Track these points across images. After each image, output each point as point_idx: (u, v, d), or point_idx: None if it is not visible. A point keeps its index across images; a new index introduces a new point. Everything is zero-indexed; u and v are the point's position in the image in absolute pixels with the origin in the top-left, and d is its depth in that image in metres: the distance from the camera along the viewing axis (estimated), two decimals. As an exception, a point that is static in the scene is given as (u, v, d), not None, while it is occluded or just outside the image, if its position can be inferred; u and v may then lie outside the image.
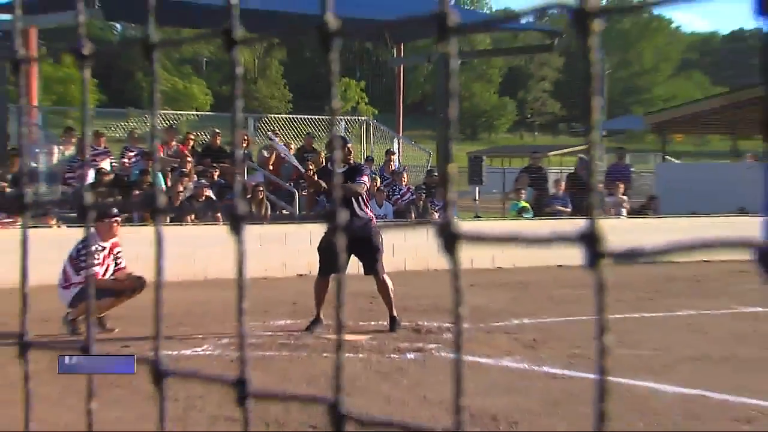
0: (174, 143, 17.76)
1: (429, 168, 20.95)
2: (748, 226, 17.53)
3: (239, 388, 1.05)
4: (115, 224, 9.48)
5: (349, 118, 25.58)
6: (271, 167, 18.05)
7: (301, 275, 13.99)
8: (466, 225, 16.73)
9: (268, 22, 17.97)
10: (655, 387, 6.94)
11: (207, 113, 42.99)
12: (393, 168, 19.61)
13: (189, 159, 16.84)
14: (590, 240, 0.81)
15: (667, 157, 23.11)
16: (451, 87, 0.88)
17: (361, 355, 8.19)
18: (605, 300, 0.84)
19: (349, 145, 10.17)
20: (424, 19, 0.88)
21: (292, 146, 19.31)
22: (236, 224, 1.06)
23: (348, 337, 9.05)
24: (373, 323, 9.73)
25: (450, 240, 0.89)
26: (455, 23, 0.87)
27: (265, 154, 18.32)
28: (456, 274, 0.91)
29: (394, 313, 9.47)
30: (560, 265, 15.76)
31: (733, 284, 13.29)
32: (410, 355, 8.15)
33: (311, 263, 14.39)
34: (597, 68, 0.81)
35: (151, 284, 9.89)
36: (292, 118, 23.22)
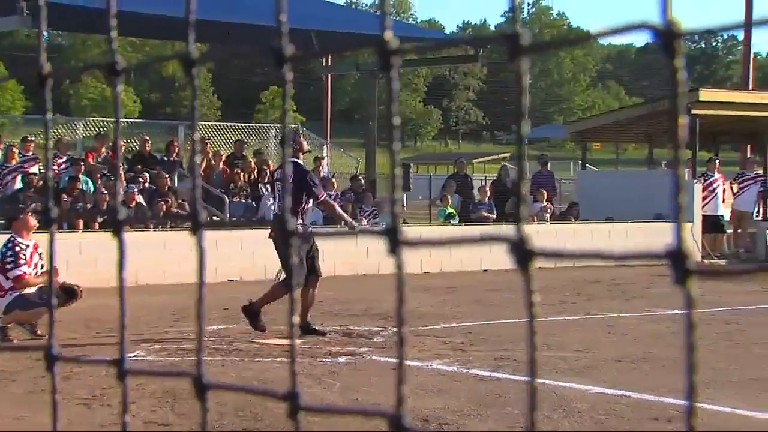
0: (103, 150, 17.48)
1: (356, 174, 20.96)
2: (663, 232, 17.94)
3: (291, 401, 1.03)
4: (30, 215, 9.18)
5: (278, 125, 25.40)
6: (201, 174, 17.89)
7: (232, 280, 13.87)
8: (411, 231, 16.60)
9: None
10: (579, 387, 7.05)
11: (136, 120, 42.40)
12: (322, 174, 19.58)
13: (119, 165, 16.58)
14: (678, 258, 0.83)
15: (589, 165, 23.47)
16: (522, 104, 0.89)
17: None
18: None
19: (300, 139, 9.90)
20: (498, 39, 0.88)
21: (222, 153, 19.15)
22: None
23: (279, 341, 9.00)
24: (304, 328, 9.68)
25: (525, 257, 0.89)
26: (528, 42, 0.88)
27: (197, 161, 18.14)
28: (530, 291, 0.91)
29: (309, 319, 9.42)
30: (486, 270, 15.90)
31: (650, 287, 13.56)
32: (342, 359, 8.14)
33: (243, 268, 14.31)
34: (683, 88, 0.83)
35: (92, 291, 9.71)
36: (221, 125, 23.05)
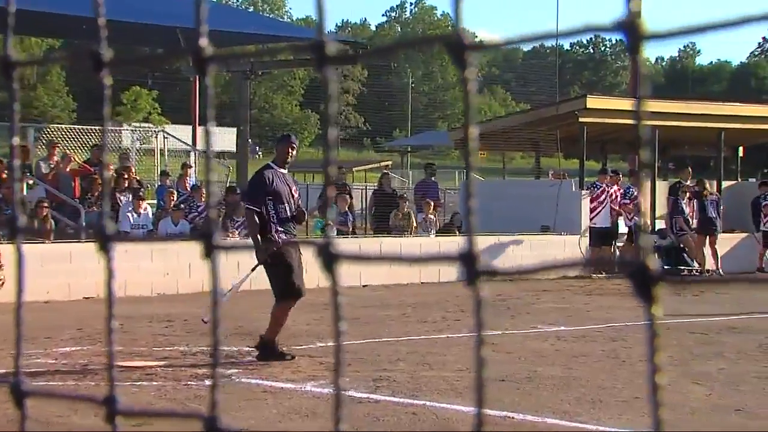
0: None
1: (229, 185, 20.77)
2: (550, 244, 18.40)
3: (109, 406, 1.05)
4: None
5: (141, 128, 25.05)
6: (50, 180, 17.45)
7: (88, 298, 13.57)
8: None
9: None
10: (460, 408, 7.18)
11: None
12: (189, 183, 19.34)
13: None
14: (468, 259, 0.89)
15: (474, 174, 23.90)
16: (330, 112, 0.94)
17: (155, 383, 8.05)
18: (483, 317, 0.92)
19: (287, 147, 9.57)
20: (306, 48, 0.93)
21: (77, 158, 18.74)
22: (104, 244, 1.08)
23: (139, 363, 8.86)
24: (168, 349, 9.57)
25: (330, 259, 0.95)
26: (334, 52, 0.92)
27: (43, 169, 17.67)
28: (336, 291, 0.97)
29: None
30: (365, 285, 16.01)
31: (535, 303, 13.91)
32: (208, 382, 8.08)
33: (99, 284, 14.00)
34: (474, 99, 0.89)
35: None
36: (77, 128, 22.54)
